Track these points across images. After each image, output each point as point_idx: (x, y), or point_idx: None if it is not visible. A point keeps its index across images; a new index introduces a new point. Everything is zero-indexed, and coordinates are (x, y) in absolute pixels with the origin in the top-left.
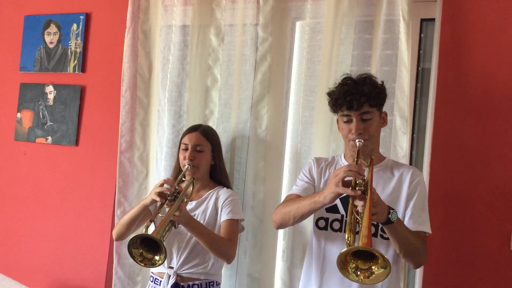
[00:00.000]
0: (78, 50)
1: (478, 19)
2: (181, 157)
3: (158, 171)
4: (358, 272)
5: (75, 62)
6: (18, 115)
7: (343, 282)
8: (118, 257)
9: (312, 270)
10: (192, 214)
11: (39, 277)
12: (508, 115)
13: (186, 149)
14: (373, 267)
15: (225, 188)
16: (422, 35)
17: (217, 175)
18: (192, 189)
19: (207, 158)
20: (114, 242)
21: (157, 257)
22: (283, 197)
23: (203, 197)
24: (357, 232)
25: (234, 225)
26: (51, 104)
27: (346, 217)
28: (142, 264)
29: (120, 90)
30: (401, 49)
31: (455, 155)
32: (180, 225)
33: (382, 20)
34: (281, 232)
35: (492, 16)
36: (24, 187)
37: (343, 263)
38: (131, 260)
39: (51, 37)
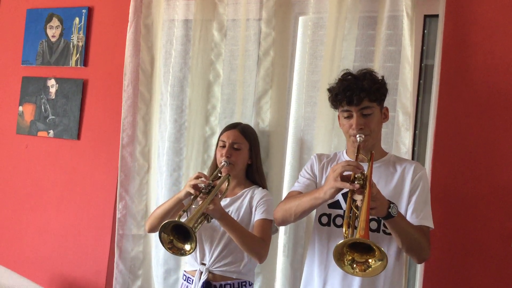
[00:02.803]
0: (80, 44)
1: (481, 15)
2: (218, 154)
3: (160, 165)
4: (354, 265)
5: (77, 56)
6: (20, 108)
7: (345, 277)
8: (119, 251)
9: (314, 265)
10: (226, 210)
11: (40, 271)
12: (510, 112)
13: (224, 146)
14: (370, 260)
15: (260, 188)
16: (425, 31)
17: (253, 174)
18: (228, 185)
19: (244, 156)
20: (116, 236)
21: (187, 247)
22: (285, 192)
23: (238, 194)
24: (356, 228)
25: (268, 225)
26: (53, 97)
27: None
28: (171, 252)
29: (122, 84)
30: (404, 45)
31: (458, 152)
32: (213, 219)
33: (386, 16)
34: (282, 227)
35: (496, 12)
36: (25, 181)
37: (339, 254)
38: (132, 254)
39: (53, 30)
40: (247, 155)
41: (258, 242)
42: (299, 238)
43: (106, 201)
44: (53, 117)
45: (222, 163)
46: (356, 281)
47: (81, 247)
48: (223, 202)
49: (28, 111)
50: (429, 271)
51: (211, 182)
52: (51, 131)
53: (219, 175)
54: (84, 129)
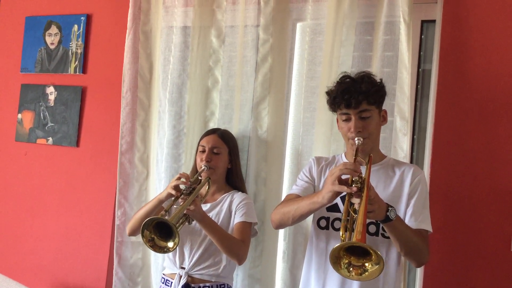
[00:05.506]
0: (79, 51)
1: (478, 20)
2: (198, 159)
3: (159, 172)
4: (351, 268)
5: (76, 63)
6: (19, 116)
7: (344, 282)
8: (119, 258)
9: (312, 269)
10: None
11: (39, 278)
12: (508, 116)
13: (204, 151)
14: (366, 264)
15: (240, 192)
16: (422, 36)
17: (233, 178)
18: (208, 189)
19: (224, 160)
20: (115, 243)
21: (170, 244)
22: (283, 198)
23: (218, 199)
24: (354, 231)
25: (247, 228)
26: (52, 105)
27: None
28: (152, 249)
29: (120, 91)
30: (402, 51)
31: (456, 157)
32: (194, 222)
33: (383, 21)
34: (281, 233)
35: (493, 17)
36: (24, 188)
37: (336, 258)
38: (132, 261)
39: (52, 38)
40: (227, 159)
41: (238, 244)
42: (298, 244)
43: (105, 208)
44: (52, 124)
45: (202, 168)
46: (355, 286)
47: (80, 254)
48: (203, 208)
49: (27, 118)
50: (429, 275)
51: (191, 183)
52: (50, 139)
53: (199, 178)
54: (83, 136)
